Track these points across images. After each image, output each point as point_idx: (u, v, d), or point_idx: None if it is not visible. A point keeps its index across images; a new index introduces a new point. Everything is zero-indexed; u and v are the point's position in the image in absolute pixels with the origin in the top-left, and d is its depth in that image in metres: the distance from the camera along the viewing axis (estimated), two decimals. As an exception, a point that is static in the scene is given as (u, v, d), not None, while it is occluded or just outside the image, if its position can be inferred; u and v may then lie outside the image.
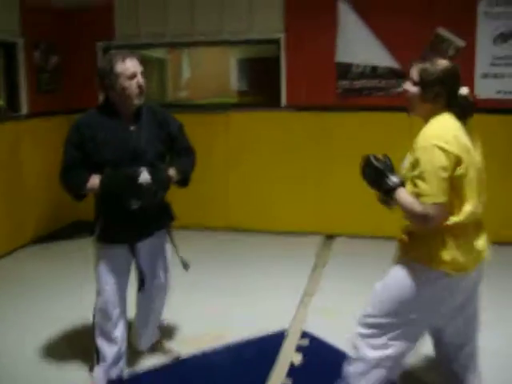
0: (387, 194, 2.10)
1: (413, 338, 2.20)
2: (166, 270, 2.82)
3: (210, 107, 5.96)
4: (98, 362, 2.70)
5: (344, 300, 3.91)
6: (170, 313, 3.23)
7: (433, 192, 1.95)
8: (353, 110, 5.28)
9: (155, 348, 3.08)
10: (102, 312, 2.67)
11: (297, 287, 4.16)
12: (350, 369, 2.30)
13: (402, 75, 5.09)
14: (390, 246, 5.03)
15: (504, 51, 4.72)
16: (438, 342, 2.33)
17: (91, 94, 5.88)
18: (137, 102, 2.51)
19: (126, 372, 2.84)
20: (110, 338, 2.68)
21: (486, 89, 4.73)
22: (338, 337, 3.29)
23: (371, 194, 5.66)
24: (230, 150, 5.65)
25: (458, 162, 1.98)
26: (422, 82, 2.09)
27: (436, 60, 2.12)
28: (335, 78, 5.27)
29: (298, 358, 3.07)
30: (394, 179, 2.08)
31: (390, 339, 2.18)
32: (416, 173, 1.99)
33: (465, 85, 2.17)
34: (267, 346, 3.24)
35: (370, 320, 2.24)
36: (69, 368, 2.99)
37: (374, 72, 5.17)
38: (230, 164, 5.68)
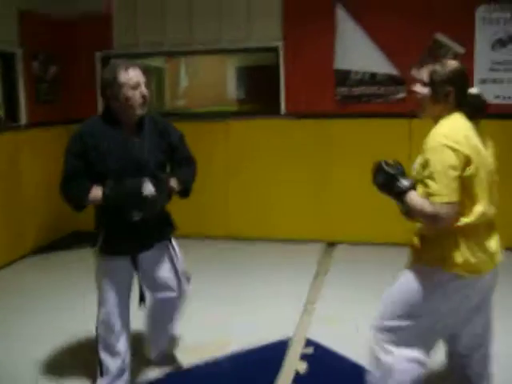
0: (398, 198, 2.12)
1: (428, 343, 2.19)
2: (177, 282, 2.72)
3: (209, 116, 5.96)
4: (101, 375, 2.67)
5: (347, 307, 3.89)
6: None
7: (443, 191, 1.95)
8: (352, 117, 5.28)
9: (166, 358, 3.03)
10: (104, 324, 2.64)
11: (299, 295, 4.14)
12: (371, 375, 2.29)
13: (400, 82, 5.11)
14: (392, 252, 5.11)
15: (502, 56, 4.74)
16: (452, 348, 2.31)
17: (90, 103, 5.89)
18: (140, 112, 2.49)
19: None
20: (113, 351, 2.64)
21: (484, 94, 4.71)
22: (343, 344, 3.28)
23: (372, 200, 5.67)
24: (230, 158, 5.65)
25: (467, 161, 1.99)
26: (432, 83, 2.11)
27: (445, 61, 2.16)
28: (334, 85, 5.28)
29: (302, 367, 3.05)
30: (404, 182, 2.10)
31: (405, 343, 2.17)
32: (426, 173, 2.00)
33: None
34: (271, 355, 3.21)
35: (385, 324, 2.24)
36: (72, 381, 2.96)
37: (372, 79, 5.18)
38: (229, 172, 5.67)
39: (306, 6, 5.25)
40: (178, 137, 2.72)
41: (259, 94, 6.24)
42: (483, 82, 4.81)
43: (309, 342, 3.34)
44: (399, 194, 2.10)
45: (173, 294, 2.73)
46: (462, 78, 2.13)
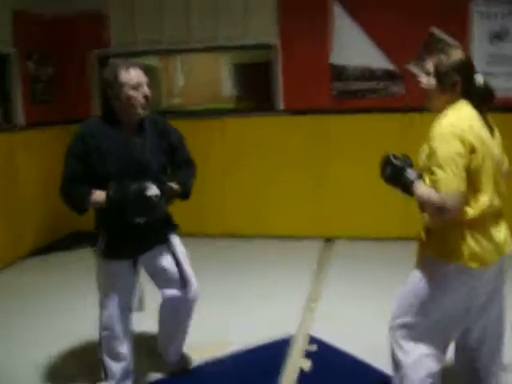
0: (406, 190, 2.13)
1: (442, 338, 2.19)
2: (183, 282, 2.69)
3: (205, 113, 5.94)
4: (106, 379, 2.66)
5: (348, 304, 3.90)
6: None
7: (450, 179, 1.96)
8: (348, 113, 5.28)
9: (183, 361, 3.01)
10: (107, 328, 2.62)
11: (299, 292, 4.13)
12: (394, 374, 2.30)
13: (397, 77, 5.11)
14: (390, 247, 5.12)
15: (500, 50, 4.75)
16: (463, 342, 2.30)
17: (86, 103, 5.87)
18: (141, 112, 2.47)
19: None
20: (116, 355, 2.63)
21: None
22: (346, 341, 3.28)
23: (369, 195, 5.67)
24: (226, 155, 5.64)
25: (472, 150, 1.99)
26: (437, 73, 2.12)
27: (450, 51, 2.16)
28: (330, 80, 5.27)
29: (307, 364, 3.05)
30: (412, 174, 2.12)
31: (420, 339, 2.18)
32: (433, 162, 2.01)
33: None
34: (274, 353, 3.20)
35: (398, 321, 2.25)
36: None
37: (369, 74, 5.17)
38: (226, 170, 5.66)
39: (302, 1, 5.24)
40: (178, 138, 2.70)
41: (255, 91, 6.23)
42: (480, 75, 4.80)
43: (312, 340, 3.34)
44: (407, 186, 2.12)
45: (180, 291, 2.69)
46: (468, 67, 2.13)
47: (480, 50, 4.80)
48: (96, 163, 2.43)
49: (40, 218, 5.54)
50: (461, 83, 2.11)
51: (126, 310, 2.64)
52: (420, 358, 2.18)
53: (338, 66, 5.22)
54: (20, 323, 3.76)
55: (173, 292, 2.70)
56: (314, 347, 3.25)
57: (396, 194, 5.42)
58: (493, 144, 2.12)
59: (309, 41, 5.25)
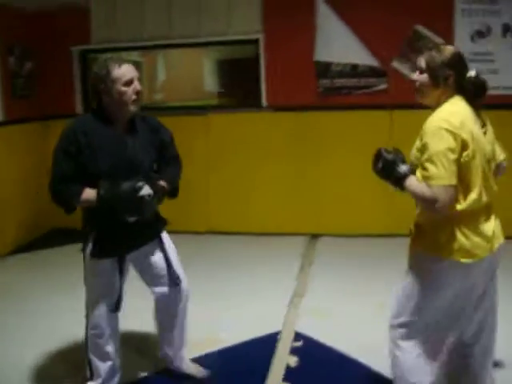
0: (398, 184, 2.14)
1: (439, 335, 2.20)
2: (174, 279, 2.66)
3: (189, 109, 5.90)
4: (91, 378, 2.63)
5: (333, 299, 3.92)
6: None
7: (442, 174, 1.97)
8: (334, 109, 5.28)
9: (182, 360, 2.92)
10: (95, 327, 2.58)
11: (285, 288, 4.14)
12: (393, 374, 2.31)
13: (381, 73, 5.13)
14: (375, 243, 5.15)
15: (482, 47, 4.79)
16: (457, 340, 2.30)
17: (67, 99, 5.79)
18: (133, 108, 2.43)
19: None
20: (103, 354, 2.60)
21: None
22: (331, 336, 3.30)
23: (354, 192, 5.69)
24: (211, 152, 5.61)
25: (464, 146, 2.01)
26: (430, 69, 2.13)
27: (442, 47, 2.18)
28: (315, 77, 5.27)
29: (293, 360, 3.05)
30: (403, 168, 2.13)
31: (418, 338, 2.19)
32: (425, 156, 2.02)
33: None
34: (261, 350, 3.20)
35: (396, 321, 2.26)
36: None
37: (353, 70, 5.19)
38: (210, 166, 5.63)
39: (287, -3, 5.23)
40: (169, 135, 2.68)
41: (239, 87, 6.21)
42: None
43: (298, 336, 3.35)
44: (398, 180, 2.13)
45: (171, 289, 2.67)
46: (461, 62, 2.15)
47: (462, 47, 4.82)
48: (87, 161, 2.38)
49: (20, 215, 5.45)
50: (454, 78, 2.12)
51: (110, 310, 2.60)
52: (418, 357, 2.19)
53: (323, 62, 5.22)
54: (5, 322, 3.69)
55: (164, 290, 2.68)
56: (299, 343, 3.26)
57: (382, 190, 5.45)
58: (484, 140, 2.13)
59: (294, 37, 5.24)
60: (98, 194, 2.35)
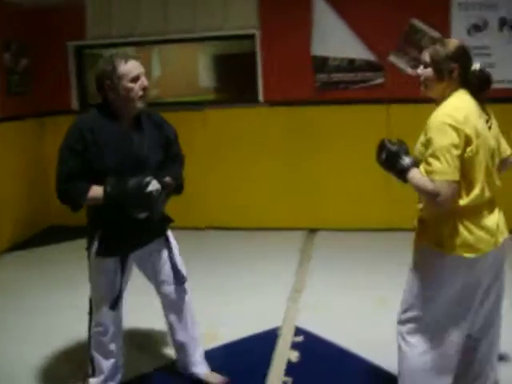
0: (401, 176, 2.14)
1: (447, 330, 2.19)
2: (177, 278, 2.64)
3: (185, 105, 5.88)
4: (93, 375, 2.62)
5: (333, 293, 3.92)
6: (158, 316, 3.15)
7: (445, 169, 1.97)
8: (331, 104, 5.28)
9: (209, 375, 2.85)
10: (99, 326, 2.56)
11: (284, 283, 4.14)
12: (399, 367, 2.30)
13: (378, 68, 5.12)
14: (372, 237, 5.15)
15: (478, 41, 4.79)
16: (466, 333, 2.29)
17: (63, 95, 5.76)
18: (139, 105, 2.40)
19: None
20: (107, 352, 2.58)
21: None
22: (332, 331, 3.30)
23: (351, 186, 5.69)
24: (208, 147, 5.59)
25: (468, 141, 2.01)
26: (433, 62, 2.13)
27: (446, 40, 2.18)
28: (312, 71, 5.26)
29: (294, 355, 3.05)
30: (407, 160, 2.12)
31: (426, 333, 2.19)
32: (429, 151, 2.02)
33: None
34: (261, 345, 3.20)
35: (405, 316, 2.26)
36: (63, 381, 2.91)
37: (350, 65, 5.18)
38: (208, 162, 5.62)
39: (282, -8, 5.22)
40: (174, 133, 2.65)
41: (236, 82, 6.18)
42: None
43: (298, 331, 3.35)
44: (401, 172, 2.12)
45: (175, 288, 2.65)
46: (465, 55, 2.14)
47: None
48: (93, 158, 2.34)
49: (16, 212, 5.43)
50: (458, 71, 2.11)
51: (118, 308, 2.57)
52: (425, 352, 2.19)
53: (320, 57, 5.21)
54: (4, 320, 3.68)
55: (170, 289, 2.65)
56: (300, 338, 3.26)
57: (379, 184, 5.47)
58: (489, 135, 2.13)
59: (290, 31, 5.23)
60: (105, 191, 2.31)
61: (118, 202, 2.32)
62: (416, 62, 4.95)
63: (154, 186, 2.34)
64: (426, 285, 2.16)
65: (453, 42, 2.15)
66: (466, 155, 2.01)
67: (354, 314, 3.58)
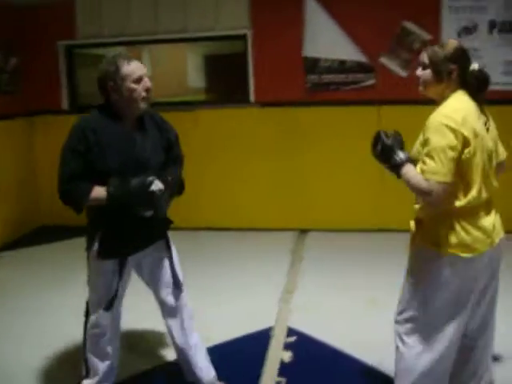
0: (394, 170, 2.14)
1: (444, 329, 2.19)
2: (175, 283, 2.62)
3: (176, 105, 5.87)
4: (87, 376, 2.60)
5: (324, 294, 3.94)
6: (149, 316, 3.15)
7: (439, 170, 1.99)
8: (322, 105, 5.29)
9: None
10: (96, 327, 2.53)
11: (276, 284, 4.15)
12: (396, 368, 2.31)
13: (369, 69, 5.15)
14: (363, 238, 5.17)
15: (468, 44, 4.81)
16: (463, 333, 2.31)
17: (53, 95, 5.73)
18: (142, 106, 2.39)
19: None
20: (103, 354, 2.56)
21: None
22: (324, 331, 3.32)
23: (341, 187, 5.70)
24: (199, 148, 5.58)
25: (465, 143, 2.02)
26: (432, 64, 2.14)
27: (445, 41, 2.19)
28: (303, 72, 5.27)
29: (287, 356, 3.06)
30: (401, 155, 2.13)
31: (423, 333, 2.20)
32: (425, 151, 2.04)
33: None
34: (254, 346, 3.21)
35: (402, 316, 2.27)
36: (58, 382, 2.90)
37: (341, 66, 5.20)
38: (199, 162, 5.59)
39: (274, -7, 5.22)
40: (175, 135, 2.65)
41: (227, 82, 6.19)
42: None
43: (291, 331, 3.36)
44: (395, 167, 2.13)
45: (173, 292, 2.63)
46: (464, 56, 2.15)
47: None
48: (96, 158, 2.33)
49: (6, 212, 5.39)
50: (457, 72, 2.12)
51: (117, 310, 2.56)
52: (422, 352, 2.20)
53: (311, 58, 5.22)
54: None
55: (167, 292, 2.62)
56: (293, 338, 3.27)
57: (369, 185, 5.49)
58: (487, 137, 2.14)
59: (282, 32, 5.24)
60: (108, 191, 2.30)
61: (122, 203, 2.30)
62: (407, 64, 5.00)
63: (156, 185, 2.33)
64: (423, 285, 2.18)
65: (451, 43, 2.16)
66: (463, 156, 2.03)
67: (345, 314, 3.60)
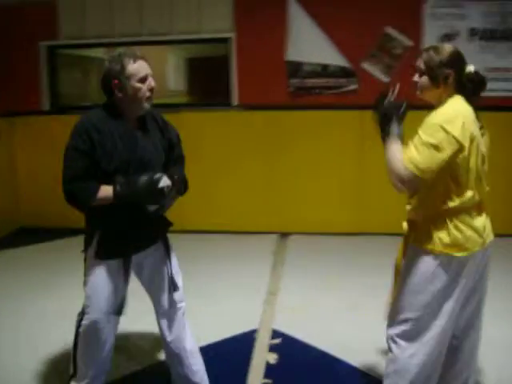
0: (382, 137, 2.16)
1: (438, 331, 2.21)
2: (173, 285, 2.59)
3: (159, 107, 5.82)
4: (74, 375, 2.56)
5: (307, 295, 3.98)
6: (133, 319, 3.11)
7: (419, 163, 2.02)
8: (304, 109, 5.33)
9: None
10: (91, 329, 2.46)
11: (259, 286, 4.16)
12: (387, 369, 2.32)
13: (352, 74, 5.20)
14: (344, 241, 5.22)
15: (449, 50, 4.92)
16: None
17: (33, 95, 5.66)
18: (146, 105, 2.38)
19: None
20: (95, 356, 2.50)
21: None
22: (308, 333, 3.34)
23: (323, 191, 5.72)
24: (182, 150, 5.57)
25: (459, 148, 2.04)
26: (428, 69, 2.15)
27: (440, 46, 2.19)
28: (286, 76, 5.31)
29: (272, 357, 3.08)
30: (395, 129, 2.13)
31: (417, 335, 2.21)
32: (414, 141, 2.06)
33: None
34: (239, 347, 3.22)
35: (398, 317, 2.28)
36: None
37: (324, 70, 5.25)
38: (182, 165, 5.59)
39: (259, -4, 5.25)
40: (176, 135, 2.64)
41: (210, 85, 6.19)
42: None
43: (275, 333, 3.37)
44: (387, 135, 2.14)
45: (169, 296, 2.60)
46: (460, 60, 2.17)
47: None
48: (100, 158, 2.30)
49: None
50: (453, 76, 2.14)
51: (113, 313, 2.49)
52: (415, 353, 2.22)
53: (294, 62, 5.26)
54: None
55: (164, 294, 2.59)
56: (277, 340, 3.28)
57: (351, 189, 5.52)
58: (481, 141, 2.17)
59: (265, 36, 5.27)
60: (116, 189, 2.27)
61: (129, 201, 2.28)
62: (389, 70, 5.06)
63: (164, 182, 2.31)
64: (416, 286, 2.20)
65: (447, 48, 2.17)
66: (458, 160, 2.05)
67: (328, 316, 3.63)
